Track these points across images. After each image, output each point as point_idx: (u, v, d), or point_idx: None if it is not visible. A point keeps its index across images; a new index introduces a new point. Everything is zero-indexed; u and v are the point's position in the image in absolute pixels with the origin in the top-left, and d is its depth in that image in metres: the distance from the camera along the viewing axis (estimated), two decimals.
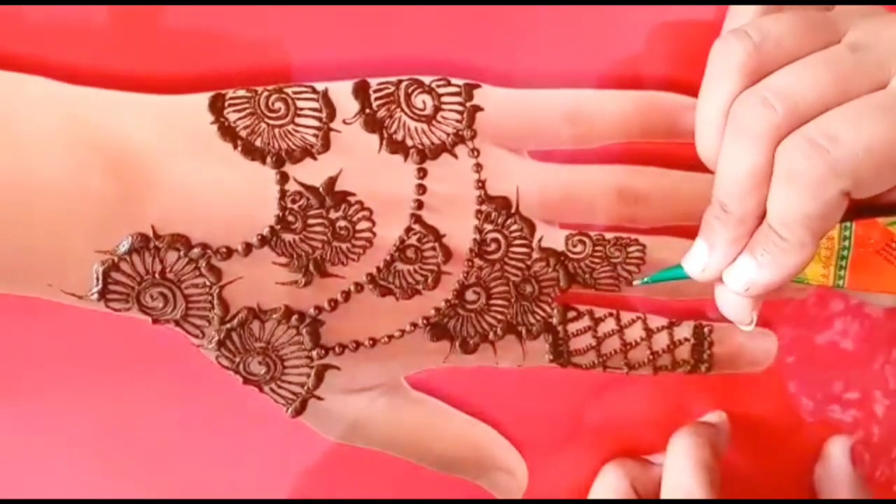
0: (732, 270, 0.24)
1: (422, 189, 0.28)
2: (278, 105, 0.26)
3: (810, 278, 0.26)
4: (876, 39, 0.24)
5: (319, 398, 0.28)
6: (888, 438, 0.36)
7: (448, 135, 0.28)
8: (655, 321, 0.31)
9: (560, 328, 0.30)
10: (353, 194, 0.27)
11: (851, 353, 0.34)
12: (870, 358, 0.35)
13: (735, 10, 0.27)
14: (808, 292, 0.33)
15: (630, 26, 0.29)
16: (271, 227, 0.26)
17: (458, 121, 0.28)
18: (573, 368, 0.31)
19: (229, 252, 0.26)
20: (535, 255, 0.29)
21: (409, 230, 0.28)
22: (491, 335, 0.29)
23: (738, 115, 0.24)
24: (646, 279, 0.28)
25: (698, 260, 0.25)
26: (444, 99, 0.28)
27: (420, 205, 0.28)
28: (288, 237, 0.26)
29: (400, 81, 0.27)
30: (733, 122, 0.24)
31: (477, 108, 0.28)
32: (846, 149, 0.23)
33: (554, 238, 0.29)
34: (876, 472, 0.37)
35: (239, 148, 0.26)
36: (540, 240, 0.29)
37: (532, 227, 0.29)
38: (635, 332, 0.31)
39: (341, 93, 0.27)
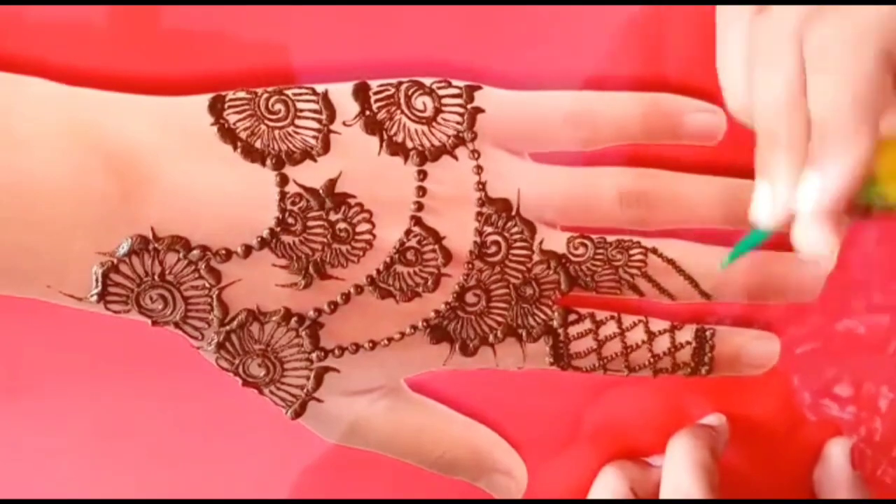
0: (800, 193, 0.23)
1: (422, 191, 0.27)
2: (278, 107, 0.26)
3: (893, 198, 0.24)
4: None
5: (319, 400, 0.28)
6: (891, 435, 0.36)
7: (448, 137, 0.28)
8: (657, 324, 0.31)
9: (561, 331, 0.30)
10: (353, 196, 0.27)
11: (864, 344, 0.34)
12: (881, 349, 0.35)
13: (723, 12, 0.27)
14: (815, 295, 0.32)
15: (632, 28, 0.29)
16: (271, 229, 0.26)
17: (458, 123, 0.28)
18: (573, 371, 0.30)
19: (229, 254, 0.26)
20: (536, 257, 0.29)
21: (409, 232, 0.27)
22: (491, 338, 0.29)
23: (758, 32, 0.23)
24: (728, 260, 0.28)
25: (765, 202, 0.24)
26: (444, 101, 0.27)
27: (420, 207, 0.27)
28: (288, 239, 0.26)
29: (400, 83, 0.27)
30: (755, 42, 0.23)
31: (478, 110, 0.28)
32: (871, 9, 0.21)
33: (555, 240, 0.29)
34: (878, 470, 0.37)
35: (239, 149, 0.26)
36: (541, 242, 0.29)
37: (533, 230, 0.29)
38: (637, 335, 0.31)
39: (341, 94, 0.27)
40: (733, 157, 0.30)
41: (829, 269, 0.25)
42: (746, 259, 0.31)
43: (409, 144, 0.27)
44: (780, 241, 0.31)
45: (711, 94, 0.29)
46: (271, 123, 0.26)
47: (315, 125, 0.26)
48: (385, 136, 0.27)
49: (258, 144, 0.26)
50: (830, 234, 0.23)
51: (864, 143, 0.22)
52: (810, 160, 0.23)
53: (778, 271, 0.31)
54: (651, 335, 0.31)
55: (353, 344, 0.28)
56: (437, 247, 0.28)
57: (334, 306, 0.27)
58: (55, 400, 0.28)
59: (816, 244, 0.23)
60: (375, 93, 0.27)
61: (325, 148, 0.27)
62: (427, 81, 0.27)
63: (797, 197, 0.23)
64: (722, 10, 0.25)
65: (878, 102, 0.22)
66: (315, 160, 0.26)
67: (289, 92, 0.26)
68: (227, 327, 0.27)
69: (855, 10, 0.21)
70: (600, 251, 0.29)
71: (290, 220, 0.26)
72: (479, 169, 0.28)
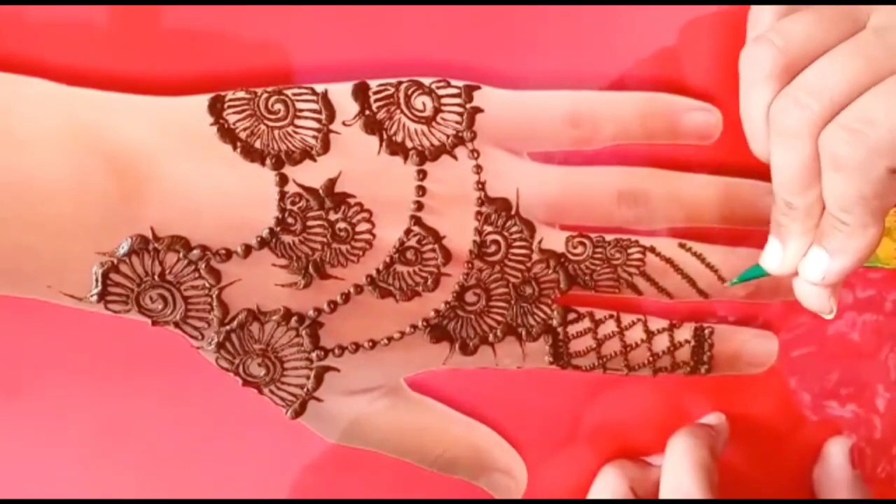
0: (806, 263, 0.26)
1: (421, 191, 0.27)
2: (278, 107, 0.26)
3: (883, 260, 0.28)
4: None
5: (319, 400, 0.28)
6: (890, 434, 0.36)
7: (448, 136, 0.28)
8: (656, 323, 0.31)
9: (560, 330, 0.30)
10: (353, 196, 0.27)
11: (858, 346, 0.34)
12: (876, 350, 0.35)
13: (756, 12, 0.27)
14: None
15: (630, 27, 0.29)
16: (271, 229, 0.26)
17: (457, 122, 0.28)
18: (573, 370, 0.30)
19: (228, 254, 0.26)
20: (536, 256, 0.29)
21: (408, 232, 0.28)
22: (491, 337, 0.29)
23: (777, 119, 0.25)
24: (734, 280, 0.30)
25: (774, 257, 0.27)
26: (443, 100, 0.27)
27: (420, 206, 0.28)
28: (287, 239, 0.26)
29: (400, 83, 0.27)
30: (774, 127, 0.25)
31: (477, 110, 0.28)
32: (884, 129, 0.23)
33: (554, 240, 0.29)
34: (878, 469, 0.37)
35: (238, 149, 0.26)
36: (540, 241, 0.29)
37: (532, 229, 0.29)
38: (636, 334, 0.31)
39: (341, 94, 0.27)
40: (730, 156, 0.30)
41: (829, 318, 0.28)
42: (743, 258, 0.31)
43: (409, 144, 0.27)
44: None
45: (709, 93, 0.29)
46: (271, 123, 0.26)
47: (315, 125, 0.26)
48: (385, 136, 0.27)
49: (258, 144, 0.26)
50: (830, 298, 0.27)
51: (870, 239, 0.25)
52: (818, 237, 0.26)
53: None
54: (650, 334, 0.31)
55: (353, 343, 0.28)
56: (436, 246, 0.28)
57: (334, 306, 0.27)
58: (55, 400, 0.28)
59: (816, 305, 0.27)
60: (375, 92, 0.27)
61: (325, 148, 0.27)
62: (426, 81, 0.27)
63: (804, 267, 0.26)
64: (745, 68, 0.26)
65: (885, 206, 0.25)
66: (315, 160, 0.27)
67: (288, 92, 0.26)
68: (227, 327, 0.27)
69: (869, 127, 0.23)
70: (599, 250, 0.29)
71: (290, 220, 0.26)
72: (478, 168, 0.28)
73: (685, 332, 0.31)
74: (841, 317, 0.34)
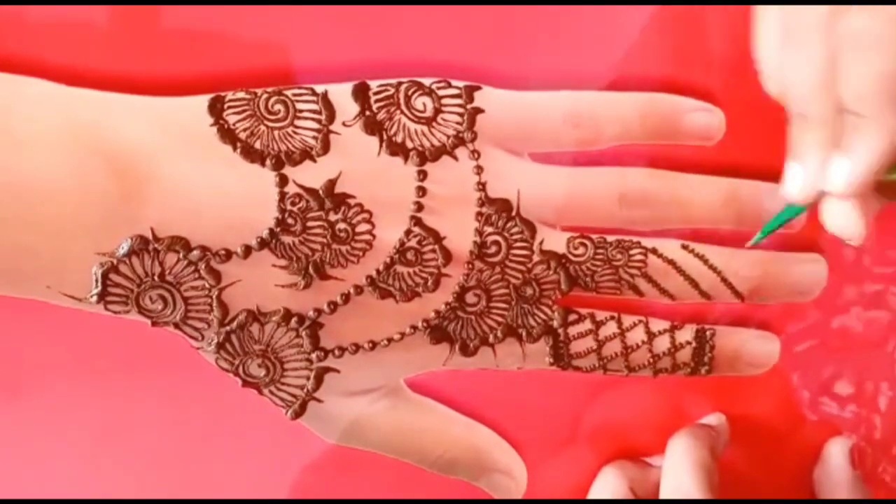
0: (829, 175, 0.24)
1: (422, 191, 0.27)
2: (278, 107, 0.26)
3: None
4: None
5: (319, 400, 0.28)
6: (891, 433, 0.36)
7: (448, 137, 0.28)
8: (657, 324, 0.31)
9: (561, 331, 0.30)
10: (353, 196, 0.27)
11: (862, 341, 0.34)
12: (880, 346, 0.35)
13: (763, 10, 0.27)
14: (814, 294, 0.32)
15: (631, 27, 0.29)
16: (271, 230, 0.26)
17: (458, 123, 0.28)
18: (573, 371, 0.30)
19: (228, 254, 0.26)
20: (536, 257, 0.29)
21: (409, 232, 0.27)
22: (491, 338, 0.29)
23: (793, 16, 0.24)
24: (756, 238, 0.29)
25: (795, 179, 0.25)
26: (444, 101, 0.27)
27: (420, 207, 0.27)
28: (287, 239, 0.26)
29: (400, 83, 0.27)
30: (790, 25, 0.24)
31: (477, 110, 0.28)
32: None
33: (555, 240, 0.29)
34: (878, 468, 0.37)
35: (238, 150, 0.26)
36: (541, 242, 0.29)
37: (533, 230, 0.29)
38: (637, 336, 0.31)
39: (341, 95, 0.27)
40: (732, 157, 0.30)
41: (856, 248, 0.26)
42: (745, 259, 0.31)
43: (409, 145, 0.27)
44: (779, 241, 0.31)
45: (710, 93, 0.29)
46: (271, 124, 0.26)
47: (315, 125, 0.26)
48: (385, 137, 0.27)
49: (258, 145, 0.26)
50: (858, 215, 0.25)
51: (892, 128, 0.23)
52: (839, 142, 0.24)
53: (777, 271, 0.31)
54: (651, 335, 0.31)
55: (352, 344, 0.28)
56: (437, 247, 0.28)
57: (334, 306, 0.27)
58: (55, 400, 0.28)
59: (845, 225, 0.25)
60: (375, 93, 0.27)
61: (325, 148, 0.27)
62: (427, 82, 0.27)
63: (826, 179, 0.24)
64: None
65: None
66: (315, 160, 0.26)
67: (288, 92, 0.26)
68: (227, 328, 0.27)
69: (885, 6, 0.22)
70: (600, 251, 0.29)
71: (290, 221, 0.26)
72: (479, 169, 0.28)
73: (686, 334, 0.31)
74: (847, 311, 0.34)
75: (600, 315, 0.30)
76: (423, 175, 0.27)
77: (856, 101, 0.23)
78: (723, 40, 0.29)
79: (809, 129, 0.24)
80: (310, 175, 0.26)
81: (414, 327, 0.28)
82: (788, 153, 0.26)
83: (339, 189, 0.27)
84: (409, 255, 0.28)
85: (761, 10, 0.25)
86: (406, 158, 0.27)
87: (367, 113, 0.27)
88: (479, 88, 0.28)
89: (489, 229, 0.28)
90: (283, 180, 0.26)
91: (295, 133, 0.26)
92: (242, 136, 0.26)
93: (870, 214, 0.25)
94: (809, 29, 0.24)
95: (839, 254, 0.32)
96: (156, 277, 0.26)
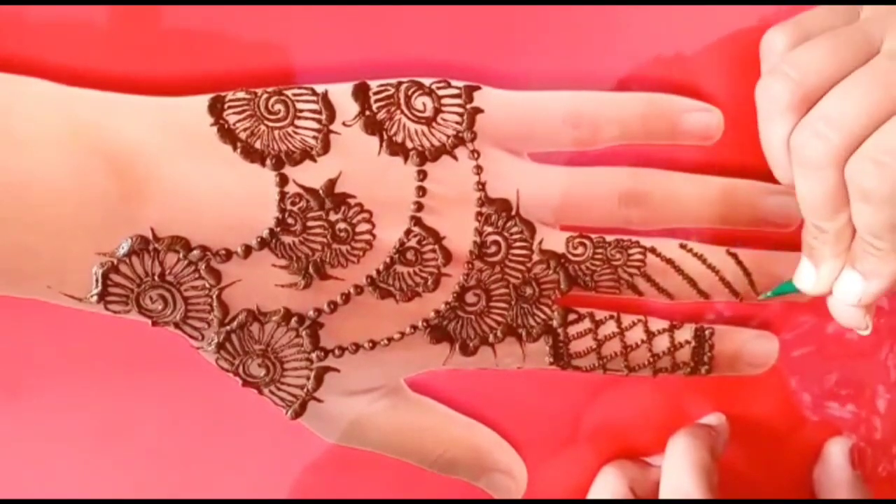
0: (841, 286, 0.27)
1: (422, 191, 0.27)
2: (278, 107, 0.26)
3: None
4: None
5: (319, 400, 0.28)
6: (890, 434, 0.36)
7: (448, 137, 0.28)
8: (656, 324, 0.31)
9: (560, 330, 0.30)
10: (353, 196, 0.27)
11: (858, 346, 0.34)
12: (875, 350, 0.35)
13: (768, 40, 0.28)
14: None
15: (631, 28, 0.29)
16: (271, 230, 0.26)
17: (458, 123, 0.28)
18: (573, 371, 0.30)
19: (228, 254, 0.26)
20: (536, 257, 0.29)
21: (408, 232, 0.27)
22: (491, 337, 0.29)
23: (799, 151, 0.25)
24: (768, 294, 0.30)
25: (808, 278, 0.28)
26: (444, 101, 0.27)
27: (420, 207, 0.27)
28: (287, 239, 0.26)
29: (400, 83, 0.27)
30: (796, 158, 0.26)
31: (477, 110, 0.28)
32: None
33: (554, 240, 0.29)
34: (878, 468, 0.37)
35: (238, 150, 0.26)
36: (540, 242, 0.29)
37: (532, 230, 0.29)
38: (636, 335, 0.31)
39: (341, 95, 0.27)
40: (731, 157, 0.30)
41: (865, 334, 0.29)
42: (745, 259, 0.31)
43: (409, 144, 0.27)
44: (777, 241, 0.31)
45: (708, 93, 0.29)
46: (271, 124, 0.26)
47: (315, 125, 0.26)
48: (385, 137, 0.27)
49: (258, 145, 0.26)
50: (866, 316, 0.27)
51: None
52: (851, 260, 0.26)
53: (776, 271, 0.31)
54: (650, 334, 0.31)
55: (353, 344, 0.28)
56: (436, 247, 0.28)
57: (334, 306, 0.27)
58: (55, 400, 0.28)
59: (854, 323, 0.28)
60: (375, 93, 0.27)
61: (325, 148, 0.27)
62: (426, 82, 0.27)
63: (839, 290, 0.27)
64: (762, 101, 0.27)
65: None
66: (315, 160, 0.26)
67: (288, 92, 0.26)
68: (227, 327, 0.27)
69: (893, 157, 0.24)
70: (599, 251, 0.29)
71: (290, 221, 0.26)
72: (478, 169, 0.28)
73: (686, 333, 0.31)
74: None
75: (599, 314, 0.30)
76: (422, 175, 0.27)
77: (870, 238, 0.25)
78: (722, 41, 0.29)
79: (825, 242, 0.26)
80: (310, 175, 0.26)
81: (414, 327, 0.28)
82: (803, 251, 0.28)
83: (339, 189, 0.27)
84: (409, 255, 0.28)
85: (765, 128, 0.27)
86: (406, 158, 0.27)
87: (367, 113, 0.27)
88: (478, 88, 0.28)
89: (489, 229, 0.28)
90: (284, 180, 0.26)
91: (295, 133, 0.26)
92: (243, 135, 0.26)
93: (874, 312, 0.28)
94: (818, 169, 0.25)
95: None
96: (156, 277, 0.26)
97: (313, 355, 0.28)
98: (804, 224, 0.27)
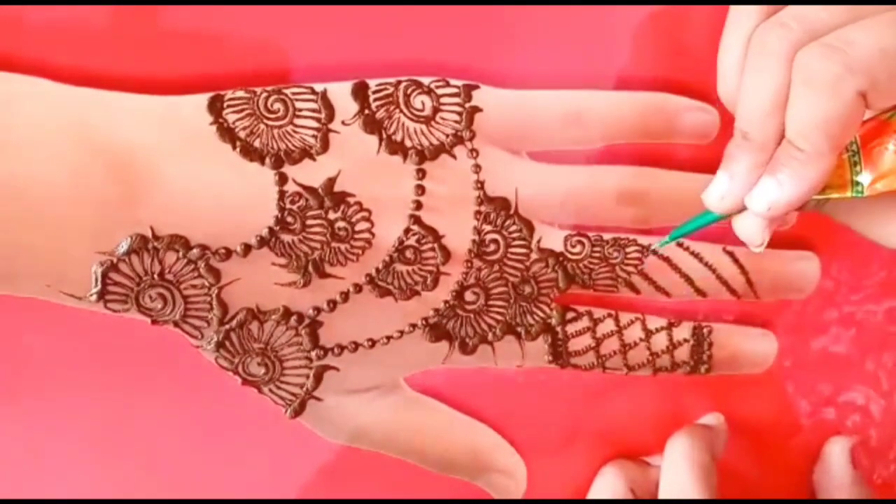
0: (754, 193, 0.25)
1: (421, 190, 0.28)
2: (277, 106, 0.26)
3: (834, 189, 0.26)
4: None
5: (318, 399, 0.28)
6: (885, 440, 0.36)
7: (447, 135, 0.28)
8: (654, 322, 0.31)
9: (559, 329, 0.30)
10: (352, 195, 0.27)
11: (845, 358, 0.35)
12: (861, 361, 0.35)
13: (736, 10, 0.27)
14: (807, 291, 0.33)
15: (629, 27, 0.29)
16: (270, 228, 0.26)
17: (456, 122, 0.28)
18: (572, 369, 0.31)
19: (228, 253, 0.26)
20: (534, 255, 0.29)
21: (408, 231, 0.28)
22: (490, 336, 0.29)
23: (758, 39, 0.24)
24: (666, 239, 0.28)
25: (718, 189, 0.25)
26: (442, 100, 0.28)
27: (419, 205, 0.28)
28: (287, 238, 0.26)
29: (399, 82, 0.27)
30: (754, 47, 0.25)
31: (476, 109, 0.28)
32: (861, 49, 0.23)
33: (553, 239, 0.29)
34: (874, 475, 0.37)
35: (238, 149, 0.26)
36: (539, 240, 0.29)
37: (531, 228, 0.29)
38: (634, 333, 0.31)
39: (340, 94, 0.27)
40: None
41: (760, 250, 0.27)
42: (741, 256, 0.31)
43: (408, 143, 0.27)
44: (774, 239, 0.31)
45: (706, 93, 0.30)
46: (270, 122, 0.26)
47: (314, 124, 0.27)
48: (384, 135, 0.27)
49: (257, 143, 0.26)
50: (767, 230, 0.26)
51: (824, 167, 0.23)
52: (770, 166, 0.24)
53: (771, 268, 0.31)
54: (648, 332, 0.31)
55: (352, 342, 0.28)
56: (436, 245, 0.28)
57: (333, 305, 0.27)
58: (56, 400, 0.28)
59: (753, 236, 0.26)
60: (374, 92, 0.27)
61: (324, 147, 0.27)
62: (425, 80, 0.27)
63: (750, 196, 0.25)
64: (735, 7, 0.26)
65: (844, 137, 0.23)
66: (314, 159, 0.27)
67: (288, 91, 0.26)
68: (227, 326, 0.27)
69: (847, 46, 0.23)
70: (597, 249, 0.30)
71: (290, 219, 0.26)
72: (477, 168, 0.28)
73: (684, 331, 0.31)
74: (826, 331, 0.34)
75: (598, 312, 0.30)
76: (421, 173, 0.27)
77: (797, 136, 0.24)
78: (719, 40, 0.29)
79: (748, 150, 0.25)
80: (309, 173, 0.26)
81: (413, 325, 0.28)
82: (722, 162, 0.26)
83: (338, 187, 0.27)
84: (409, 254, 0.28)
85: (732, 20, 0.26)
86: (405, 157, 0.27)
87: (367, 111, 0.27)
88: (477, 87, 0.28)
89: (488, 227, 0.28)
90: (283, 179, 0.26)
91: (294, 132, 0.26)
92: (242, 134, 0.26)
93: (773, 229, 0.26)
94: (771, 56, 0.24)
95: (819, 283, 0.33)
96: (155, 276, 0.26)
97: (312, 354, 0.28)
98: (732, 137, 0.26)
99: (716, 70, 0.28)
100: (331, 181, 0.27)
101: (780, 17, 0.24)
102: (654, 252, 0.30)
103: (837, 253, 0.33)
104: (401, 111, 0.27)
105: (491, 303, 0.29)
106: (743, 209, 0.25)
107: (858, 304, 0.34)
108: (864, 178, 0.26)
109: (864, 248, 0.32)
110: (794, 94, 0.24)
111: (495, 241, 0.28)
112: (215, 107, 0.26)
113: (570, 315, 0.30)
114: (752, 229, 0.26)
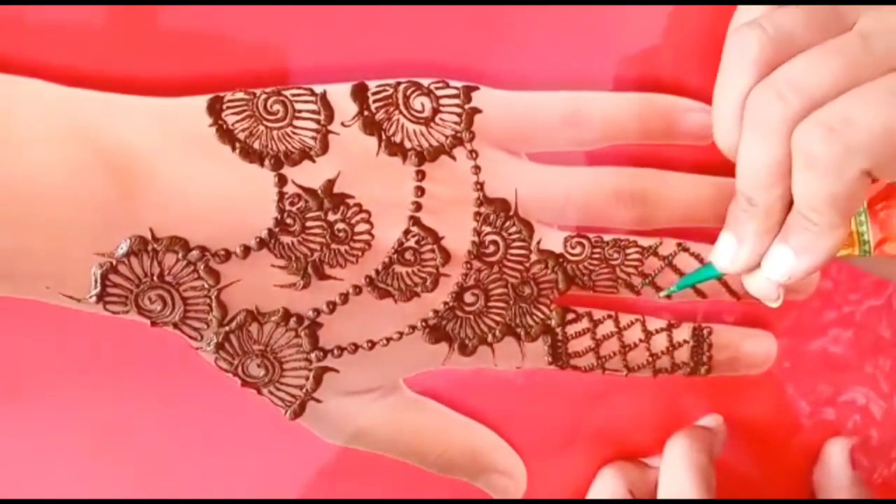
0: (770, 261, 0.25)
1: (420, 191, 0.27)
2: (276, 107, 0.26)
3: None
4: (884, 26, 0.24)
5: (318, 400, 0.28)
6: (887, 441, 0.36)
7: (446, 137, 0.28)
8: (654, 323, 0.31)
9: (559, 330, 0.30)
10: (352, 196, 0.27)
11: (843, 359, 0.35)
12: (860, 363, 0.35)
13: (743, 9, 0.27)
14: (807, 293, 0.33)
15: (628, 28, 0.29)
16: (269, 230, 0.26)
17: (456, 123, 0.28)
18: (572, 371, 0.31)
19: (227, 255, 0.26)
20: (534, 257, 0.29)
21: (407, 232, 0.28)
22: (489, 337, 0.29)
23: (754, 109, 0.24)
24: (673, 288, 0.29)
25: (726, 253, 0.26)
26: (442, 101, 0.28)
27: (418, 207, 0.28)
28: (286, 239, 0.26)
29: (398, 84, 0.27)
30: (750, 117, 0.24)
31: (475, 110, 0.28)
32: (861, 129, 0.23)
33: (552, 240, 0.29)
34: (874, 475, 0.37)
35: (237, 150, 0.26)
36: (538, 242, 0.29)
37: (530, 229, 0.29)
38: (634, 334, 0.31)
39: (340, 95, 0.27)
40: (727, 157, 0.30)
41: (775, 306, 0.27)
42: None
43: (408, 145, 0.27)
44: None
45: (706, 94, 0.29)
46: (270, 124, 0.26)
47: (313, 126, 0.27)
48: (383, 137, 0.27)
49: (256, 145, 0.26)
50: (779, 287, 0.26)
51: (838, 238, 0.24)
52: (784, 234, 0.25)
53: None
54: (648, 334, 0.31)
55: (351, 344, 0.28)
56: (435, 247, 0.28)
57: (333, 306, 0.27)
58: (55, 400, 0.28)
59: (768, 294, 0.26)
60: (374, 93, 0.27)
61: (324, 148, 0.27)
62: (425, 82, 0.27)
63: (767, 265, 0.25)
64: (730, 50, 0.26)
65: (854, 207, 0.24)
66: (313, 161, 0.27)
67: (287, 93, 0.26)
68: (226, 328, 0.27)
69: (847, 126, 0.23)
70: (597, 250, 0.29)
71: (289, 221, 0.26)
72: (477, 169, 0.28)
73: (684, 332, 0.31)
74: (825, 333, 0.34)
75: (598, 314, 0.30)
76: (421, 175, 0.27)
77: (808, 211, 0.24)
78: (720, 40, 0.29)
79: (754, 216, 0.25)
80: (308, 175, 0.26)
81: (413, 327, 0.28)
82: (726, 224, 0.26)
83: (337, 189, 0.27)
84: (408, 255, 0.28)
85: (726, 71, 0.25)
86: (404, 158, 0.27)
87: (366, 113, 0.27)
88: (476, 89, 0.28)
89: (487, 229, 0.28)
90: (282, 180, 0.26)
91: (294, 133, 0.26)
92: (241, 136, 0.26)
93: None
94: (769, 131, 0.24)
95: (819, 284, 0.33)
96: (155, 278, 0.26)
97: (312, 355, 0.28)
98: (735, 198, 0.26)
99: (716, 70, 0.28)
100: (330, 183, 0.27)
101: (777, 83, 0.24)
102: (668, 296, 0.30)
103: None
104: (400, 112, 0.27)
105: (490, 304, 0.29)
106: (753, 269, 0.26)
107: (857, 303, 0.34)
108: (872, 237, 0.26)
109: None
110: (797, 172, 0.24)
111: (495, 242, 0.28)
112: (215, 108, 0.26)
113: (569, 316, 0.30)
114: (767, 290, 0.26)
